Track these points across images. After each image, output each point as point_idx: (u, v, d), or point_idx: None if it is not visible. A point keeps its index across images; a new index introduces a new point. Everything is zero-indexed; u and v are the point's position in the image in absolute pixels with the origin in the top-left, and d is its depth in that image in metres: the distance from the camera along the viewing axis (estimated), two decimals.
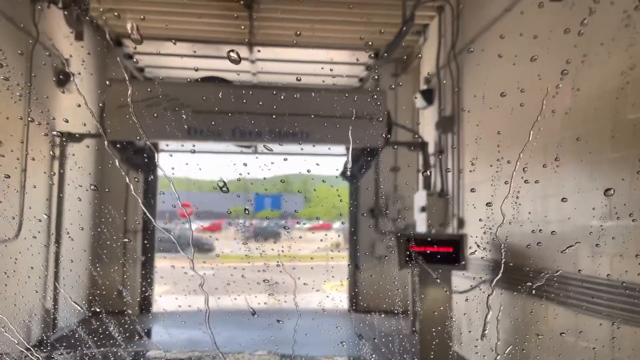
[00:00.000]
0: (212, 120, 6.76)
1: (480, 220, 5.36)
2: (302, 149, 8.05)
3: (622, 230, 3.38)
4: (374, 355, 2.14)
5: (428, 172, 7.20)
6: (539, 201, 4.50)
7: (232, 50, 1.88)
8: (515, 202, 4.44)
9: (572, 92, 4.02)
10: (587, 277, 3.72)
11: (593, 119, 3.74)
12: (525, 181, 4.12)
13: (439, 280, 5.30)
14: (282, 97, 6.74)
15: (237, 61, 1.97)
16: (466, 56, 6.50)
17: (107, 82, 8.26)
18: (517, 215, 4.56)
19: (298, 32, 7.74)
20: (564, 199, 4.09)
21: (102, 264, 8.12)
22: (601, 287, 3.58)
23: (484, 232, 5.24)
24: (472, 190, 6.07)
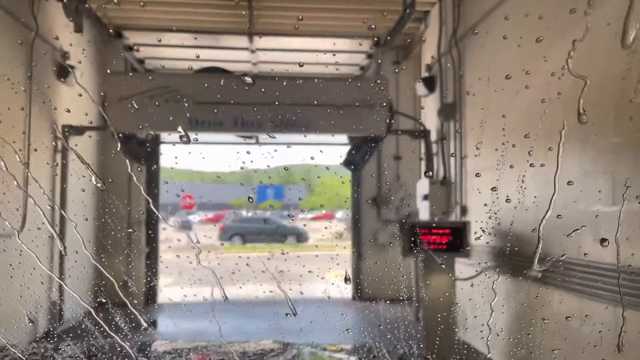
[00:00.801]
0: (214, 111, 6.75)
1: (485, 205, 5.36)
2: (305, 137, 8.04)
3: (627, 214, 3.37)
4: (379, 343, 2.15)
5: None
6: (543, 186, 4.49)
7: (246, 75, 1.96)
8: (521, 187, 4.45)
9: (574, 77, 3.99)
10: (592, 262, 3.72)
11: (596, 103, 3.72)
12: (531, 165, 4.12)
13: (443, 266, 5.31)
14: (282, 86, 6.71)
15: (251, 85, 2.06)
16: (468, 41, 6.46)
17: (107, 74, 8.24)
18: (522, 199, 4.55)
19: (299, 19, 7.70)
20: (569, 182, 4.07)
21: (107, 255, 8.12)
22: (607, 271, 3.58)
23: (489, 217, 5.24)
24: (477, 174, 6.06)
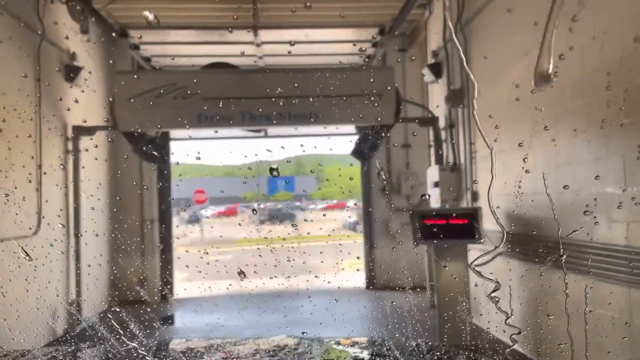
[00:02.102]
0: (221, 106, 6.78)
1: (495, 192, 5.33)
2: (313, 128, 8.05)
3: (638, 197, 3.36)
4: (394, 334, 2.16)
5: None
6: (552, 171, 4.48)
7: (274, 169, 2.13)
8: (530, 174, 4.43)
9: (581, 60, 3.97)
10: (604, 245, 3.71)
11: (604, 85, 3.69)
12: (533, 152, 4.10)
13: (447, 267, 5.31)
14: (289, 79, 6.71)
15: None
16: (472, 27, 6.40)
17: (114, 74, 8.28)
18: (534, 182, 4.54)
19: (305, 8, 7.65)
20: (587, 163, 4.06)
21: (123, 253, 8.27)
22: (618, 254, 3.57)
23: (497, 207, 5.21)
24: (475, 183, 6.03)
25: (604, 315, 3.66)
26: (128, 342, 1.86)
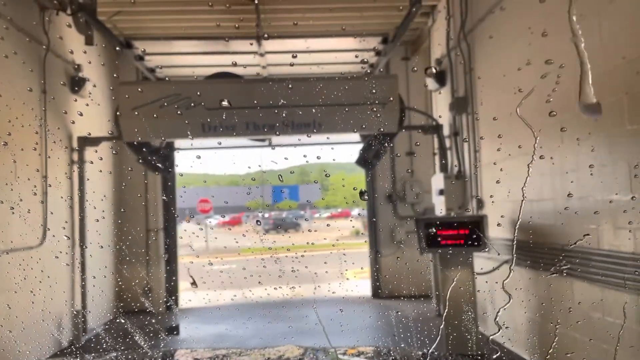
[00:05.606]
0: (225, 116, 6.79)
1: (507, 196, 5.31)
2: (317, 137, 8.04)
3: None
4: (398, 343, 2.15)
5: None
6: (558, 177, 4.46)
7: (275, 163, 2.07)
8: (535, 181, 4.40)
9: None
10: (611, 252, 3.68)
11: (609, 91, 3.67)
12: (541, 157, 4.08)
13: (455, 281, 5.29)
14: (293, 88, 6.72)
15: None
16: (476, 34, 6.41)
17: (118, 84, 8.32)
18: (540, 190, 4.52)
19: (308, 21, 7.69)
20: (591, 166, 4.03)
21: (128, 264, 8.26)
22: (626, 261, 3.54)
23: (502, 216, 5.20)
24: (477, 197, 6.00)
25: (611, 323, 3.62)
26: (133, 353, 1.86)
